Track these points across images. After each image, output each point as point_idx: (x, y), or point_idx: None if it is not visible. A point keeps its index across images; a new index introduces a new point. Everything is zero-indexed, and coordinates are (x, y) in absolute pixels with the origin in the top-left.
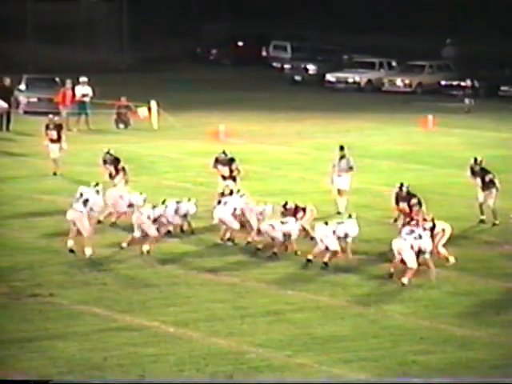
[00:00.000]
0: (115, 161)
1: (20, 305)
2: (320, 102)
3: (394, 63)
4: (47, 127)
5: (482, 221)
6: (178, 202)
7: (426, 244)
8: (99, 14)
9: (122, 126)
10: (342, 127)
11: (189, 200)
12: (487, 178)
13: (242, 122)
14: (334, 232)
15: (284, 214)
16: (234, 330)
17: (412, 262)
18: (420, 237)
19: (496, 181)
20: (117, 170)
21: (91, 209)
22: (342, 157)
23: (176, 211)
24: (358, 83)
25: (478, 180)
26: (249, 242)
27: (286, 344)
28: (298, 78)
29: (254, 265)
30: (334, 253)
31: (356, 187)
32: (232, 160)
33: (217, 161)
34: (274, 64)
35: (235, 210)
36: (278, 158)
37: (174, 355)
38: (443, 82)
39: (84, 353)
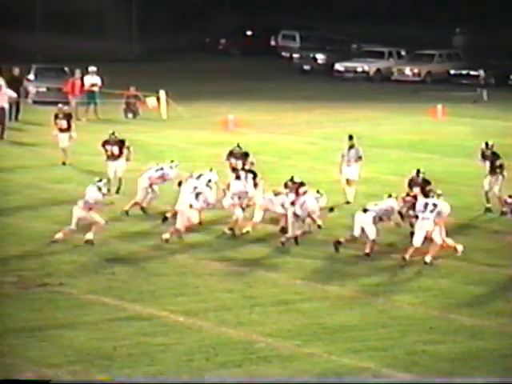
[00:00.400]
0: (120, 142)
1: (29, 294)
2: (329, 91)
3: (403, 52)
4: (56, 117)
5: (488, 209)
6: (198, 177)
7: (444, 207)
8: (108, 4)
9: (130, 115)
10: (350, 117)
11: (211, 170)
12: (497, 163)
13: (250, 112)
14: (374, 219)
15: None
16: (243, 320)
17: (439, 239)
18: (435, 205)
19: (505, 167)
20: (121, 152)
21: (87, 201)
22: (350, 146)
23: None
24: (367, 72)
25: (488, 163)
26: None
27: (295, 334)
28: (306, 67)
29: (263, 255)
30: (373, 241)
31: (365, 177)
32: (246, 154)
33: (231, 154)
34: (283, 54)
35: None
36: (286, 147)
37: (183, 345)
38: (452, 71)
39: (93, 342)
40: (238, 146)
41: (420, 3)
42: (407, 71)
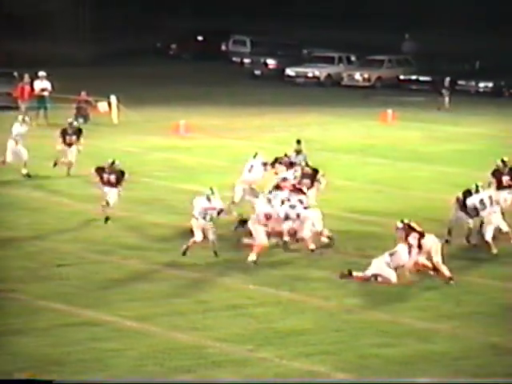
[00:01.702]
0: (120, 172)
1: None
2: (280, 96)
3: (353, 58)
4: (65, 132)
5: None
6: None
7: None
8: (60, 7)
9: (81, 120)
10: (301, 121)
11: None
12: None
13: (202, 117)
14: None
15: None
16: (196, 325)
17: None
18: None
19: None
20: (117, 181)
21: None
22: (298, 151)
23: None
24: (318, 77)
25: (506, 179)
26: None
27: (247, 338)
28: (257, 72)
29: (215, 259)
30: None
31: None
32: (292, 164)
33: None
34: (234, 59)
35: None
36: (238, 152)
37: (135, 350)
38: (402, 77)
39: (45, 348)
40: (286, 155)
41: (370, 8)
42: (357, 76)
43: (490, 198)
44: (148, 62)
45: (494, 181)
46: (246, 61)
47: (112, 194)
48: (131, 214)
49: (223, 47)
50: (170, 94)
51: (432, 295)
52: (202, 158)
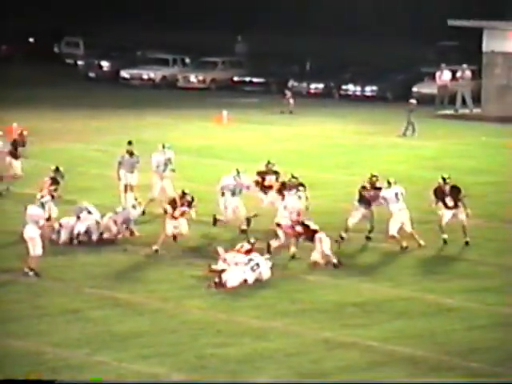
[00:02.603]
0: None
1: None
2: (116, 98)
3: (187, 60)
4: (17, 143)
5: (445, 241)
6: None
7: None
8: None
9: None
10: (138, 123)
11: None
12: (460, 196)
13: (37, 120)
14: None
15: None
16: (31, 331)
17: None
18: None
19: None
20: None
21: None
22: (131, 153)
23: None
24: (153, 80)
25: (449, 200)
26: None
27: (84, 342)
28: (91, 74)
29: (50, 263)
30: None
31: (154, 183)
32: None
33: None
34: (68, 60)
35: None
36: (76, 155)
37: None
38: (236, 78)
39: None
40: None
41: (203, 11)
42: (192, 78)
43: (402, 194)
44: None
45: (435, 200)
46: (80, 63)
47: None
48: None
49: (56, 49)
50: (3, 96)
51: (267, 293)
52: (39, 162)
